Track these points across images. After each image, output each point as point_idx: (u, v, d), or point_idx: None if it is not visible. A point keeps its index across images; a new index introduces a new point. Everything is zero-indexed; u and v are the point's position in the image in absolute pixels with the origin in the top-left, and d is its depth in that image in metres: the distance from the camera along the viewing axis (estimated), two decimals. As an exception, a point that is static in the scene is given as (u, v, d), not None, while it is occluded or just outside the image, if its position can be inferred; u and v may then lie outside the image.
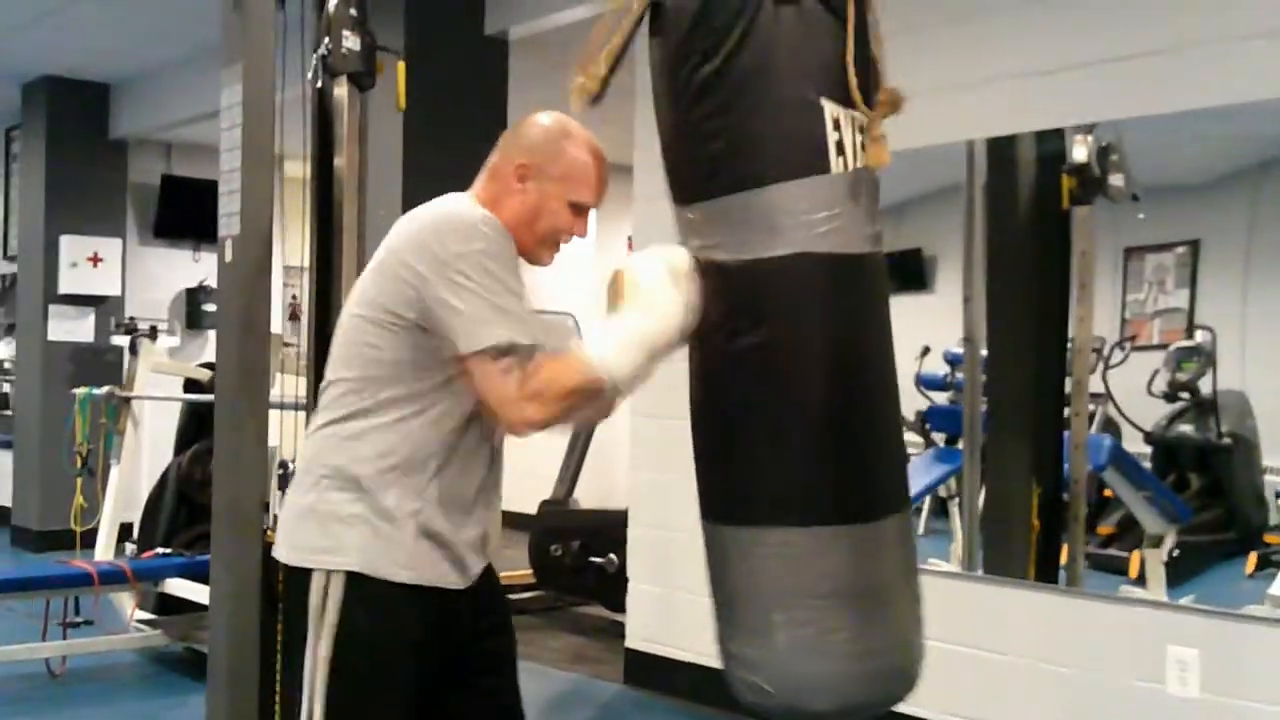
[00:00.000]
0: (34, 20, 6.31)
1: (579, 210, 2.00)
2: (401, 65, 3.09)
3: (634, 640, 4.71)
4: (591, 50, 1.80)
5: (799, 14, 1.68)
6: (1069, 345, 4.39)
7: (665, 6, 1.76)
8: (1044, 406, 4.39)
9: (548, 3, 4.89)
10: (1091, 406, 5.52)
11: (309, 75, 2.92)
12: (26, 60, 7.24)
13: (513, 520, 6.56)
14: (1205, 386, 5.40)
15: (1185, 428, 5.59)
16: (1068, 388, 4.42)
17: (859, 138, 1.74)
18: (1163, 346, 5.54)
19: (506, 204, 1.96)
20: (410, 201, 4.94)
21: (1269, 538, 5.14)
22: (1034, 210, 4.28)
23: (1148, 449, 5.76)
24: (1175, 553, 4.90)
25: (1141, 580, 4.39)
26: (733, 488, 1.88)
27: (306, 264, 3.12)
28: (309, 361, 3.16)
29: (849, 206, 1.73)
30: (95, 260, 7.67)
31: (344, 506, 1.90)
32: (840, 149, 1.71)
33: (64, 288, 7.59)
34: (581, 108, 1.89)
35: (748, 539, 1.85)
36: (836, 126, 1.71)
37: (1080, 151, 4.09)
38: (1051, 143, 4.04)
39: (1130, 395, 5.63)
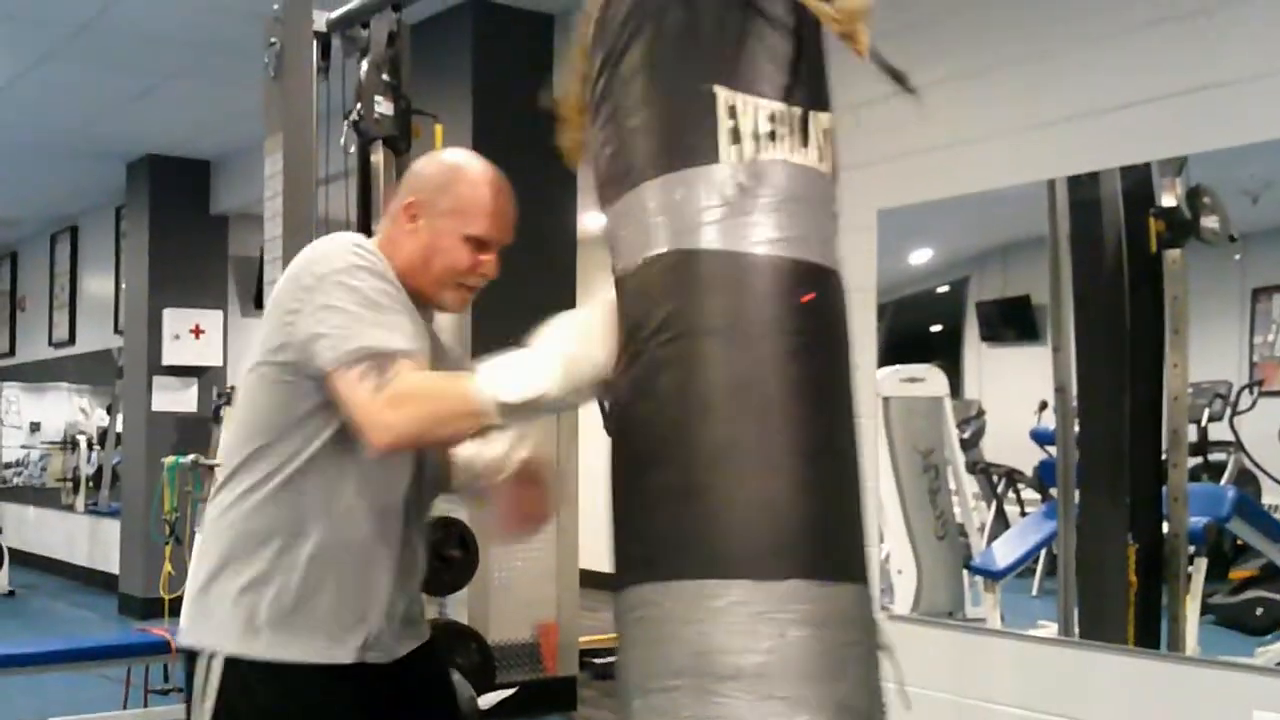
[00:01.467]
0: (133, 100, 6.53)
1: (478, 246, 1.86)
2: (439, 128, 3.09)
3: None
4: (565, 98, 1.70)
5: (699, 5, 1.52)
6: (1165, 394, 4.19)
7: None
8: (1139, 458, 4.19)
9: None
10: (1223, 456, 5.29)
11: (341, 141, 2.94)
12: (130, 140, 7.52)
13: (595, 580, 6.49)
14: None
15: None
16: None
17: (780, 129, 1.51)
18: None
19: (402, 246, 1.87)
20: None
21: None
22: (1122, 255, 4.12)
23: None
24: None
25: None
26: (615, 540, 1.58)
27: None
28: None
29: (747, 201, 1.48)
30: (197, 332, 7.89)
31: (219, 581, 1.80)
32: (736, 137, 1.49)
33: (167, 359, 7.82)
34: (576, 167, 1.74)
35: (620, 604, 1.55)
36: (732, 114, 1.49)
37: (1168, 194, 3.94)
38: (1138, 186, 3.89)
39: (1263, 443, 5.37)
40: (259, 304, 8.39)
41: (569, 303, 5.06)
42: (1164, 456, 4.21)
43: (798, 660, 1.39)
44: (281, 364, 1.77)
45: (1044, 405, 6.01)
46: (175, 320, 7.83)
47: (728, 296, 1.48)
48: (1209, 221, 4.01)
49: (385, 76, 2.88)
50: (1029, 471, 6.47)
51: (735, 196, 1.48)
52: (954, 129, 3.77)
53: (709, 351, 1.48)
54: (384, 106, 2.85)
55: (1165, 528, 4.12)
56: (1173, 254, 4.03)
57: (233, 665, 1.76)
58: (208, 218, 8.02)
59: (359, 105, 2.86)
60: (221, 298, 8.19)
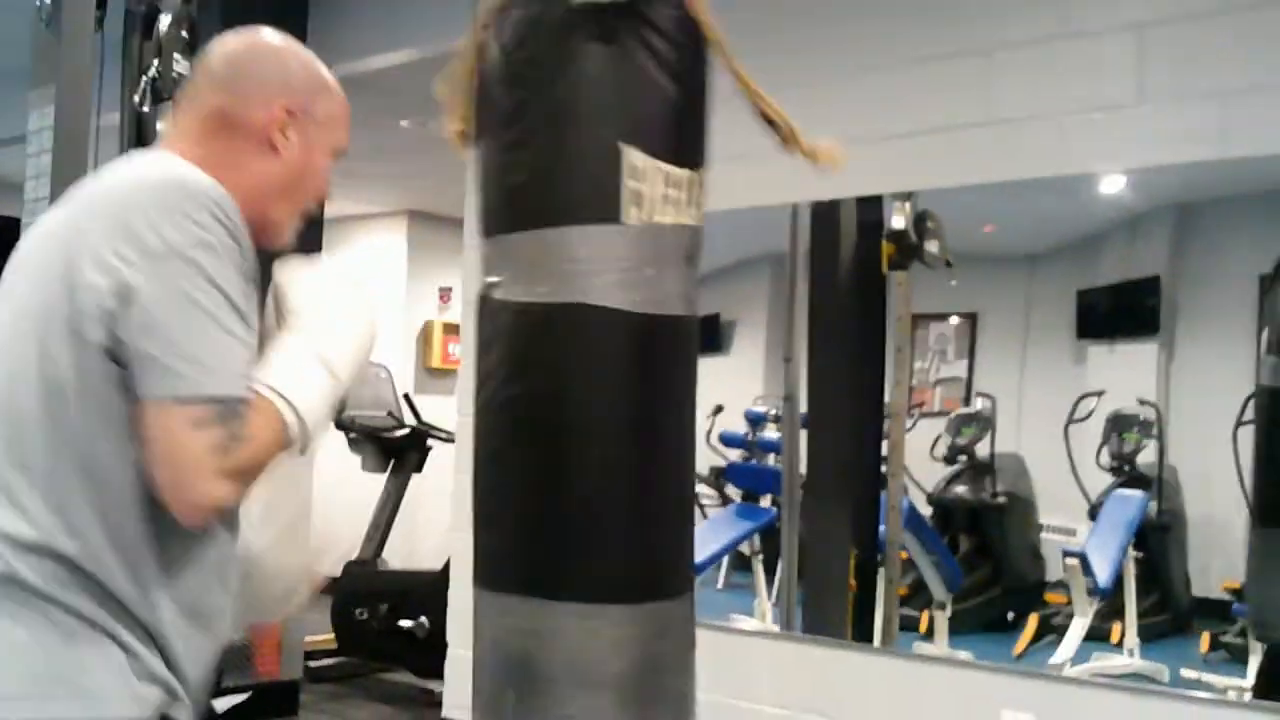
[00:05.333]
0: None
1: (336, 160, 1.57)
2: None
3: (452, 710, 4.51)
4: (453, 88, 1.66)
5: (620, 56, 1.59)
6: (886, 408, 4.44)
7: (496, 27, 1.63)
8: (862, 469, 4.43)
9: (370, 44, 4.76)
10: (883, 470, 5.66)
11: (137, 99, 2.71)
12: None
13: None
14: (984, 450, 5.64)
15: (960, 489, 5.79)
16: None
17: (670, 192, 1.63)
18: (945, 413, 5.74)
19: (253, 167, 1.46)
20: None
21: (1050, 596, 5.33)
22: (855, 274, 4.34)
23: (929, 510, 5.95)
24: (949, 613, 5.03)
25: (930, 635, 4.50)
26: (485, 548, 1.71)
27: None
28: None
29: (643, 262, 1.61)
30: None
31: None
32: (638, 200, 1.60)
33: None
34: (463, 153, 1.71)
35: (498, 606, 1.67)
36: (637, 176, 1.59)
37: (899, 218, 4.17)
38: (872, 208, 4.12)
39: (916, 460, 5.79)
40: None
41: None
42: (884, 467, 4.47)
43: (651, 668, 1.63)
44: (78, 335, 1.31)
45: (718, 410, 6.30)
46: None
47: (610, 349, 1.62)
48: (931, 246, 4.29)
49: (184, 34, 2.68)
50: (704, 471, 6.78)
51: (633, 259, 1.59)
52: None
53: (572, 398, 1.62)
54: (181, 66, 2.65)
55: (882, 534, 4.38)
56: (900, 275, 4.29)
57: None
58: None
59: (157, 62, 2.65)
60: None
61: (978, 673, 3.44)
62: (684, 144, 1.66)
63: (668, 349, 1.67)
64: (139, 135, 2.81)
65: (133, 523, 1.34)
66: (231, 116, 1.46)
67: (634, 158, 1.58)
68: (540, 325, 1.61)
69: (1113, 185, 3.95)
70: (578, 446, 1.63)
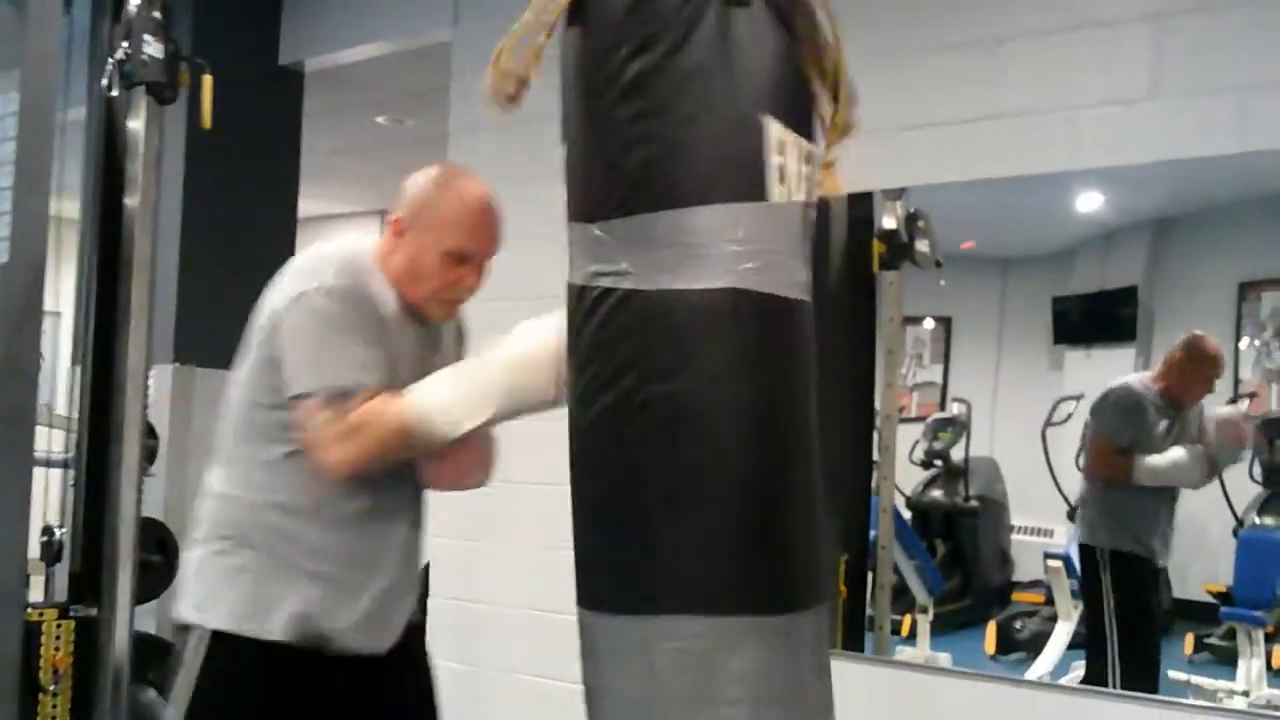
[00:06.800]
0: None
1: (458, 259, 1.97)
2: (208, 79, 2.75)
3: (433, 723, 4.38)
4: (510, 44, 1.50)
5: (749, 19, 1.45)
6: (876, 411, 4.36)
7: None
8: (853, 472, 4.34)
9: (344, 38, 4.64)
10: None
11: (104, 82, 2.56)
12: None
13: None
14: (958, 454, 5.60)
15: (936, 493, 5.75)
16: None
17: (804, 168, 1.50)
18: (922, 418, 5.69)
19: (393, 259, 1.99)
20: (191, 231, 4.50)
21: (1018, 595, 5.28)
22: (844, 274, 4.25)
23: (908, 514, 5.92)
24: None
25: (912, 638, 4.44)
26: (628, 569, 1.55)
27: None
28: (83, 412, 2.79)
29: (786, 243, 1.48)
30: None
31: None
32: (782, 176, 1.46)
33: None
34: (502, 108, 1.55)
35: (647, 632, 1.52)
36: (780, 150, 1.46)
37: (889, 217, 4.09)
38: (862, 207, 4.03)
39: (895, 464, 5.73)
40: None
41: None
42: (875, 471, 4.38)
43: (809, 678, 1.59)
44: (262, 372, 1.96)
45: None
46: None
47: (772, 338, 1.51)
48: (922, 245, 4.20)
49: (156, 14, 2.54)
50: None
51: (779, 240, 1.48)
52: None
53: (763, 389, 1.50)
54: (153, 48, 2.51)
55: (873, 538, 4.29)
56: (890, 275, 4.19)
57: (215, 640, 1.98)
58: None
59: (125, 44, 2.50)
60: None
61: (986, 684, 3.34)
62: (805, 115, 1.55)
63: (809, 340, 1.57)
64: (109, 124, 2.67)
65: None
66: (389, 223, 2.07)
67: (776, 129, 1.48)
68: (685, 316, 1.47)
69: (1090, 203, 3.91)
70: (750, 446, 1.50)
